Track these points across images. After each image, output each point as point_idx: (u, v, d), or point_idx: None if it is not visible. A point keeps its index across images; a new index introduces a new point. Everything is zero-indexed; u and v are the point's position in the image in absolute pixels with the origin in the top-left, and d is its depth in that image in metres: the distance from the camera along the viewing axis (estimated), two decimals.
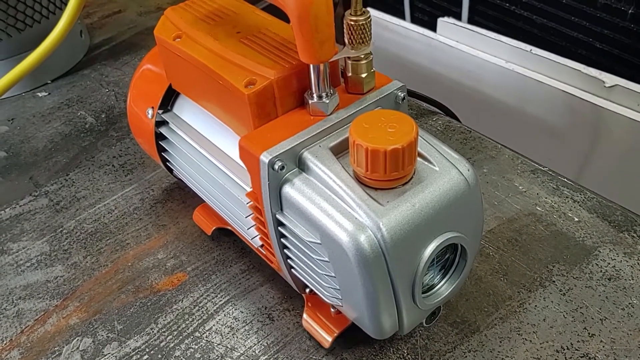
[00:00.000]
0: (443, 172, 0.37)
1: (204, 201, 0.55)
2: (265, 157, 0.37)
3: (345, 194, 0.36)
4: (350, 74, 0.40)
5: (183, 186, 0.60)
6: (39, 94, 0.76)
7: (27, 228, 0.57)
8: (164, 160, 0.52)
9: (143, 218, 0.57)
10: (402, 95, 0.41)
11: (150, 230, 0.56)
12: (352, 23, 0.38)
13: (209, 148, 0.46)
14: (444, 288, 0.40)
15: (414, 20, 1.10)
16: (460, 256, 0.39)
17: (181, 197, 0.59)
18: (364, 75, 0.40)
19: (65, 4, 0.74)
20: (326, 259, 0.37)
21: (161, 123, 0.50)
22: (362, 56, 0.39)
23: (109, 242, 0.55)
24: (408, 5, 1.08)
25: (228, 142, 0.45)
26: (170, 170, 0.53)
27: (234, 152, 0.44)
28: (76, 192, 0.61)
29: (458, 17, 0.99)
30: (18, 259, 0.54)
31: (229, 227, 0.52)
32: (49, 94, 0.75)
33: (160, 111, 0.49)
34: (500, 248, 0.52)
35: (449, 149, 0.39)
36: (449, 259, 0.40)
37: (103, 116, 0.71)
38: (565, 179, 0.58)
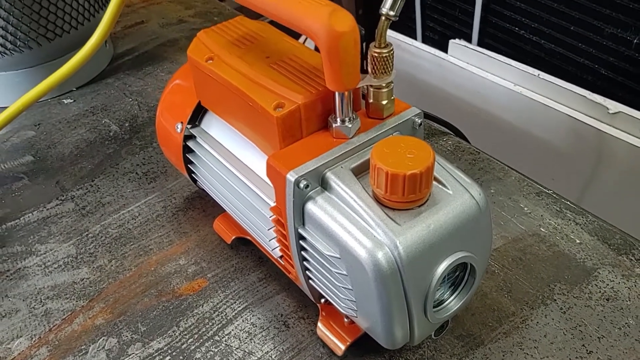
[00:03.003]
0: (456, 195, 0.40)
1: (224, 211, 0.58)
2: (291, 176, 0.40)
3: (365, 213, 0.38)
4: (371, 100, 0.43)
5: (203, 195, 0.63)
6: (64, 100, 0.79)
7: (54, 231, 0.60)
8: (190, 172, 0.55)
9: (165, 225, 0.60)
10: (419, 121, 0.44)
11: (172, 237, 0.59)
12: (376, 55, 0.41)
13: (234, 163, 0.49)
14: (453, 303, 0.43)
15: (425, 40, 1.14)
16: (470, 274, 0.42)
17: (202, 206, 0.62)
18: (384, 102, 0.43)
19: (94, 16, 0.77)
20: (344, 272, 0.40)
21: (189, 137, 0.53)
22: (384, 85, 0.42)
23: (133, 247, 0.58)
24: (420, 26, 1.11)
25: (253, 158, 0.47)
26: (194, 181, 0.56)
27: (259, 168, 0.47)
28: (101, 198, 0.63)
29: (468, 38, 1.02)
30: (46, 260, 0.57)
31: (248, 237, 0.55)
32: (74, 101, 0.79)
33: (189, 126, 0.52)
34: (505, 266, 0.54)
35: (462, 174, 0.42)
36: (459, 276, 0.42)
37: (127, 125, 0.74)
38: (568, 202, 0.61)
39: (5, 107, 0.76)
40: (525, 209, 0.60)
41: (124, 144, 0.71)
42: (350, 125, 0.42)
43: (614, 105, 0.78)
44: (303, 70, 0.44)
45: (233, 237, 0.56)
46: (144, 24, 0.95)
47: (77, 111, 0.77)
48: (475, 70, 0.89)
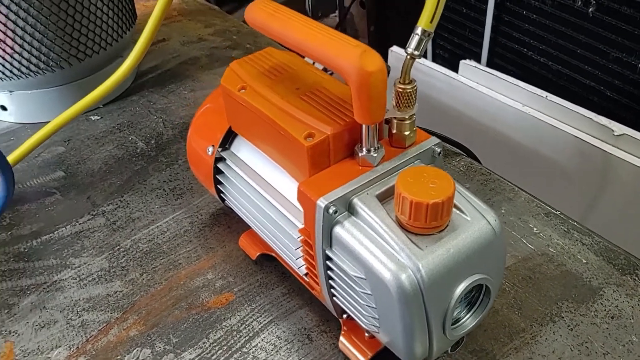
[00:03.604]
0: (474, 221, 0.43)
1: (247, 228, 0.61)
2: (321, 202, 0.43)
3: (390, 238, 0.42)
4: (394, 131, 0.46)
5: (228, 212, 0.66)
6: (92, 117, 0.82)
7: (87, 245, 0.63)
8: (218, 191, 0.58)
9: (193, 240, 0.63)
10: (439, 150, 0.48)
11: (199, 252, 0.62)
12: (401, 90, 0.44)
13: (263, 185, 0.52)
14: (468, 321, 0.46)
15: (435, 58, 1.17)
16: (485, 294, 0.45)
17: (226, 222, 0.65)
18: (407, 133, 0.46)
19: (121, 37, 0.81)
20: (369, 292, 0.43)
21: (219, 159, 0.56)
22: (407, 117, 0.45)
23: (163, 262, 0.61)
24: (431, 45, 1.15)
25: (282, 182, 0.51)
26: (223, 200, 0.59)
27: (288, 191, 0.50)
28: (131, 213, 0.67)
29: (478, 58, 1.05)
30: (80, 274, 0.60)
31: (272, 254, 0.58)
32: (101, 117, 0.82)
33: (220, 149, 0.55)
34: (515, 284, 0.57)
35: (478, 200, 0.45)
36: (474, 296, 0.46)
37: (152, 142, 0.77)
38: (575, 223, 0.64)
39: (36, 123, 0.80)
40: (535, 229, 0.63)
41: (150, 160, 0.74)
42: (375, 155, 0.45)
43: (618, 128, 0.82)
44: (330, 101, 0.47)
45: (258, 254, 0.60)
46: (165, 42, 0.99)
47: (105, 128, 0.80)
48: (485, 90, 0.92)
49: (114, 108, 0.84)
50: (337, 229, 0.44)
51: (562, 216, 0.65)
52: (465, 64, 0.94)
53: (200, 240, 0.63)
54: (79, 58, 0.77)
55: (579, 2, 0.86)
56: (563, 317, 0.54)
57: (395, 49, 0.99)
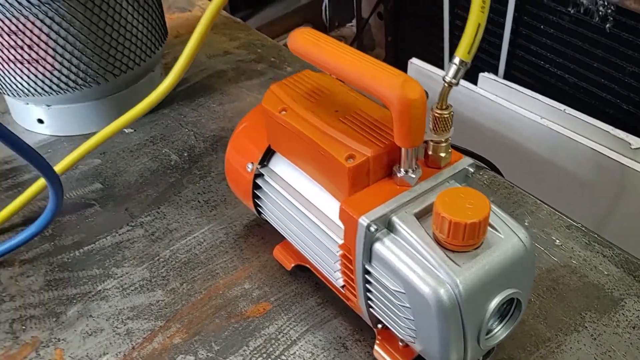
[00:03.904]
0: (507, 239, 0.46)
1: (281, 239, 0.64)
2: (363, 221, 0.46)
3: (428, 254, 0.44)
4: (431, 153, 0.49)
5: (261, 223, 0.69)
6: (125, 130, 0.85)
7: (127, 255, 0.66)
8: (256, 205, 0.61)
9: (229, 251, 0.66)
10: (472, 170, 0.50)
11: (236, 263, 0.65)
12: (438, 115, 0.47)
13: (302, 202, 0.55)
14: (500, 332, 0.48)
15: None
16: (516, 307, 0.48)
17: (260, 233, 0.68)
18: (442, 155, 0.49)
19: (154, 52, 0.84)
20: (407, 305, 0.46)
21: (257, 175, 0.59)
22: (443, 140, 0.48)
23: (201, 272, 0.64)
24: (448, 56, 1.17)
25: (321, 199, 0.53)
26: (259, 213, 0.62)
27: (327, 208, 0.53)
28: (168, 225, 0.70)
29: (496, 70, 1.08)
30: (123, 283, 0.63)
31: (307, 265, 0.61)
32: (135, 130, 0.85)
33: (259, 166, 0.58)
34: (540, 295, 0.60)
35: (510, 218, 0.47)
36: (506, 308, 0.48)
37: (185, 154, 0.80)
38: (596, 235, 0.66)
39: (71, 136, 0.83)
40: (557, 241, 0.66)
41: (184, 173, 0.77)
42: (413, 176, 0.48)
43: (635, 141, 0.84)
44: (368, 123, 0.50)
45: (293, 265, 0.62)
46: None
47: (138, 141, 0.83)
48: (504, 103, 0.94)
49: (146, 121, 0.87)
50: (378, 246, 0.47)
51: (583, 229, 0.67)
52: (484, 77, 0.96)
53: (236, 251, 0.66)
54: (115, 74, 0.80)
55: (597, 18, 0.88)
56: (587, 327, 0.57)
57: (414, 61, 1.02)
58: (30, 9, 0.71)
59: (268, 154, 0.59)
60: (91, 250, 0.67)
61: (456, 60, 0.46)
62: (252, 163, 0.59)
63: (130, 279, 0.64)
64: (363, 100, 0.53)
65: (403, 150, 0.47)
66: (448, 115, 0.47)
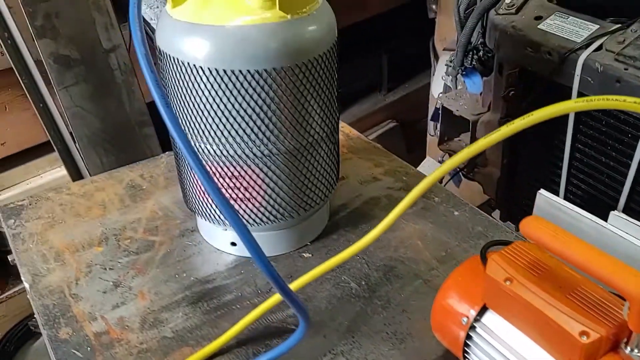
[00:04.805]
0: None
1: None
2: None
3: None
4: None
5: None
6: (304, 254, 0.96)
7: None
8: (465, 352, 0.70)
9: None
10: None
11: None
12: None
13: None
14: None
15: (567, 195, 1.30)
16: None
17: None
18: None
19: (334, 187, 0.96)
20: None
21: (470, 327, 0.68)
22: None
23: None
24: (564, 188, 1.28)
25: None
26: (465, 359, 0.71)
27: None
28: (366, 355, 0.79)
29: (615, 201, 1.18)
30: None
31: None
32: (312, 255, 0.96)
33: (474, 321, 0.68)
34: None
35: None
36: None
37: (363, 283, 0.90)
38: None
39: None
40: None
41: (366, 302, 0.87)
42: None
43: None
44: (595, 302, 0.60)
45: None
46: (345, 180, 1.14)
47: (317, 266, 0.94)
48: (636, 242, 1.03)
49: (320, 246, 0.98)
50: None
51: None
52: (615, 216, 1.05)
53: None
54: (306, 209, 0.92)
55: None
56: None
57: (543, 193, 1.11)
58: (253, 160, 0.84)
59: (482, 310, 0.68)
60: None
61: None
62: (466, 317, 0.68)
63: None
64: (581, 278, 0.63)
65: (634, 334, 0.56)
66: None
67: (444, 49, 1.85)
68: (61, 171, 1.57)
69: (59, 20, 1.23)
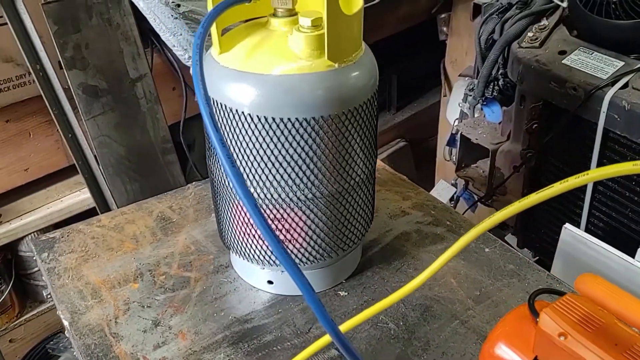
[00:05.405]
0: None
1: None
2: None
3: None
4: None
5: None
6: (340, 292, 0.97)
7: None
8: None
9: None
10: None
11: None
12: None
13: None
14: None
15: (588, 227, 1.32)
16: None
17: None
18: None
19: (369, 228, 0.97)
20: None
21: None
22: None
23: None
24: (584, 220, 1.30)
25: None
26: None
27: None
28: None
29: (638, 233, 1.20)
30: None
31: None
32: (348, 294, 0.97)
33: None
34: None
35: None
36: None
37: (401, 323, 0.91)
38: None
39: (294, 296, 0.95)
40: None
41: (406, 344, 0.88)
42: None
43: None
44: None
45: None
46: (375, 214, 1.15)
47: (354, 305, 0.95)
48: None
49: (355, 284, 0.99)
50: None
51: None
52: None
53: None
54: (343, 249, 0.93)
55: None
56: None
57: (569, 227, 1.13)
58: (297, 203, 0.85)
59: None
60: None
61: None
62: None
63: None
64: (637, 336, 0.64)
65: None
66: None
67: (459, 75, 1.86)
68: (80, 195, 1.58)
69: (88, 51, 1.24)
